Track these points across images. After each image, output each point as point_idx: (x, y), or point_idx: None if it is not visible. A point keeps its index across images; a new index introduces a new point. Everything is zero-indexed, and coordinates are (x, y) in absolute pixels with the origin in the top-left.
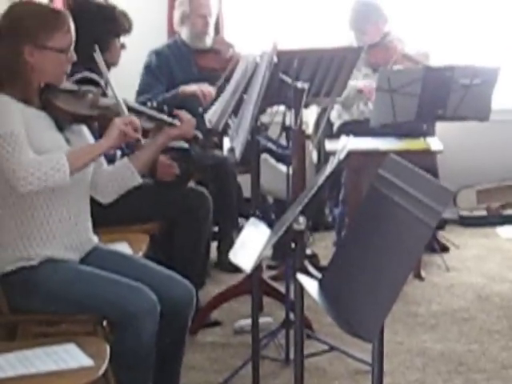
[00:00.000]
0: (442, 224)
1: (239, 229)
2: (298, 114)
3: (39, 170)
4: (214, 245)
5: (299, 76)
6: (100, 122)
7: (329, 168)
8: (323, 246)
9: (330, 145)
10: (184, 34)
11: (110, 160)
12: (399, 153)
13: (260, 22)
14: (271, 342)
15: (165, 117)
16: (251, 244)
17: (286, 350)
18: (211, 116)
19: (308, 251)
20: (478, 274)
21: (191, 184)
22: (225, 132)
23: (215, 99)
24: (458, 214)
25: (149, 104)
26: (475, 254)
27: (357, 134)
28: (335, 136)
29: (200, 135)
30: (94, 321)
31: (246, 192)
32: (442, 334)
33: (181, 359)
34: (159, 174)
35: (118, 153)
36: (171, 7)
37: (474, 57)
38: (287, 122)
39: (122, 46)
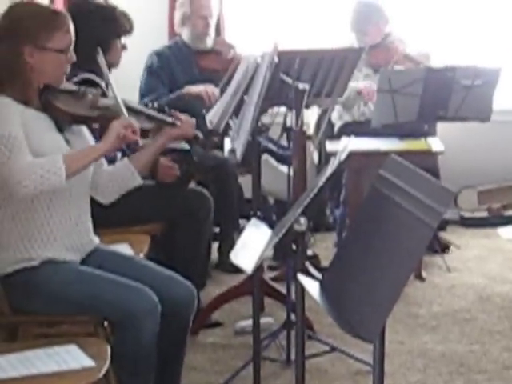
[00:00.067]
0: (443, 225)
1: (240, 230)
2: (298, 115)
3: (35, 173)
4: (215, 246)
5: (300, 77)
6: (100, 123)
7: (330, 169)
8: (324, 246)
9: (330, 145)
10: (185, 35)
11: (111, 160)
12: (400, 153)
13: (261, 22)
14: (272, 343)
15: (165, 117)
16: (252, 245)
17: (287, 350)
18: (212, 117)
19: (309, 252)
20: (479, 275)
21: (192, 185)
22: (226, 133)
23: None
24: (459, 214)
25: (150, 105)
26: (476, 254)
27: (358, 134)
28: (336, 137)
29: (200, 135)
30: (95, 321)
31: (247, 193)
32: (443, 334)
33: (182, 360)
34: (160, 175)
35: (119, 153)
36: (172, 8)
37: (475, 57)
38: (288, 123)
39: (123, 47)
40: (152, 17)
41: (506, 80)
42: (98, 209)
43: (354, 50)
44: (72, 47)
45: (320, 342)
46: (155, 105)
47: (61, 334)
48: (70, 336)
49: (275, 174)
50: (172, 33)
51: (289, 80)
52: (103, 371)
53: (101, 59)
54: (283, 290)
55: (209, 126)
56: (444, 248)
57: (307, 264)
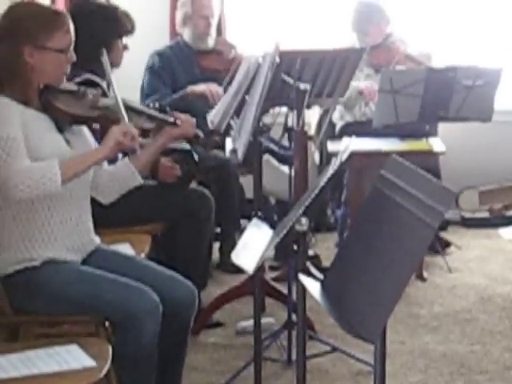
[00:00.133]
0: (445, 225)
1: (241, 230)
2: (300, 115)
3: (30, 178)
4: (216, 246)
5: (301, 77)
6: (100, 123)
7: (331, 169)
8: (325, 247)
9: (332, 146)
10: (186, 35)
11: (111, 160)
12: (401, 154)
13: (262, 22)
14: (273, 343)
15: (166, 117)
16: (253, 245)
17: (288, 351)
18: (213, 117)
19: (310, 252)
20: (481, 275)
21: (193, 185)
22: (227, 133)
23: None
24: (460, 215)
25: (151, 105)
26: (477, 255)
27: (359, 134)
28: (337, 137)
29: (201, 134)
30: (96, 322)
31: (248, 193)
32: (444, 335)
33: (183, 360)
34: (161, 175)
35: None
36: (173, 8)
37: (476, 58)
38: (289, 123)
39: (125, 47)
40: (153, 17)
41: (508, 80)
42: (99, 209)
43: (355, 51)
44: (72, 47)
45: (321, 342)
46: (156, 105)
47: (62, 334)
48: (71, 336)
49: (276, 175)
50: (173, 33)
51: (290, 80)
52: (104, 371)
53: (105, 60)
54: (284, 291)
55: (210, 126)
56: (445, 247)
57: (308, 264)
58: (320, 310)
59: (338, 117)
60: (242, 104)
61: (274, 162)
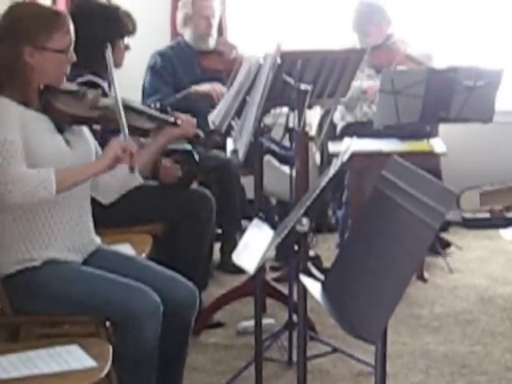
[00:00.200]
0: (445, 226)
1: (242, 230)
2: (301, 116)
3: (25, 185)
4: (217, 246)
5: (302, 77)
6: (100, 123)
7: (332, 170)
8: (326, 247)
9: (333, 146)
10: (187, 35)
11: None
12: (402, 154)
13: (263, 23)
14: (274, 344)
15: (166, 116)
16: (254, 245)
17: (289, 351)
18: (214, 117)
19: (311, 253)
20: (482, 276)
21: (194, 186)
22: (228, 133)
23: None
24: (461, 215)
25: (152, 105)
26: (478, 255)
27: (360, 135)
28: (338, 138)
29: (201, 133)
30: (97, 322)
31: (249, 193)
32: (445, 335)
33: (184, 360)
34: (162, 176)
35: None
36: (174, 8)
37: (477, 58)
38: (290, 124)
39: (126, 47)
40: (154, 17)
41: (509, 81)
42: (99, 209)
43: (356, 51)
44: (72, 47)
45: (322, 342)
46: (157, 105)
47: (62, 335)
48: (72, 336)
49: (277, 175)
50: (174, 33)
51: (291, 81)
52: (105, 371)
53: (109, 55)
54: (285, 291)
55: (211, 126)
56: (445, 248)
57: (309, 265)
58: (321, 310)
59: (339, 117)
60: (243, 104)
61: (275, 162)
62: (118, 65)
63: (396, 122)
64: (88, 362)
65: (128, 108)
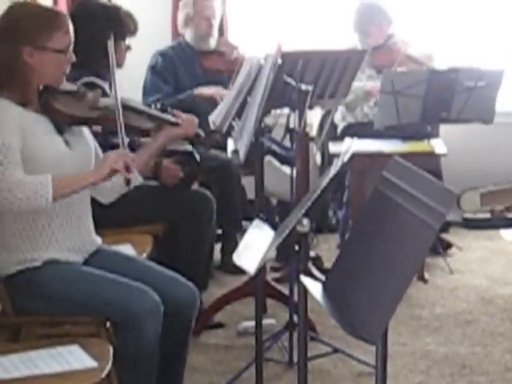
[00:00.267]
0: (446, 226)
1: (243, 231)
2: (301, 116)
3: (22, 192)
4: (218, 247)
5: (303, 78)
6: (100, 124)
7: (333, 170)
8: (327, 248)
9: (333, 147)
10: (188, 35)
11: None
12: (403, 155)
13: (264, 23)
14: (275, 344)
15: (166, 116)
16: (255, 246)
17: (290, 352)
18: (215, 118)
19: (312, 253)
20: (482, 277)
21: (195, 186)
22: (229, 134)
23: None
24: (461, 216)
25: (153, 105)
26: (479, 256)
27: (361, 136)
28: (339, 138)
29: (202, 133)
30: (98, 322)
31: (250, 194)
32: (445, 336)
33: (184, 361)
34: (163, 177)
35: None
36: (175, 9)
37: (478, 59)
38: (291, 124)
39: (128, 48)
40: (155, 17)
41: (510, 82)
42: (99, 209)
43: (357, 52)
44: (72, 47)
45: (322, 343)
46: (158, 105)
47: (63, 335)
48: (73, 336)
49: (278, 175)
50: (175, 33)
51: (292, 81)
52: (105, 372)
53: (110, 44)
54: (286, 292)
55: (212, 126)
56: (446, 249)
57: (310, 265)
58: (321, 311)
59: (340, 118)
60: (243, 105)
61: (276, 162)
62: (119, 65)
63: (397, 123)
64: (89, 362)
65: (128, 108)
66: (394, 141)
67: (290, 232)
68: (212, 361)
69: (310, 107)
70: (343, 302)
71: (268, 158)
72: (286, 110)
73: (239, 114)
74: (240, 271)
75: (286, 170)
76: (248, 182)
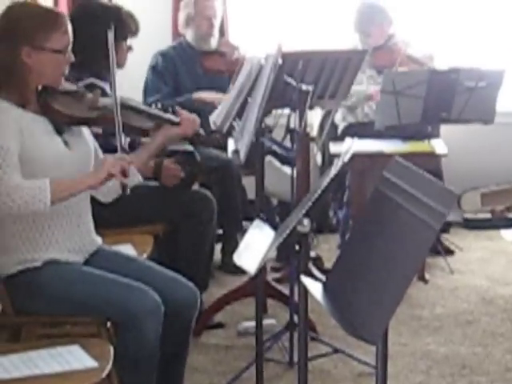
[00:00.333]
0: (447, 227)
1: (243, 231)
2: (302, 117)
3: (20, 197)
4: (218, 247)
5: (304, 78)
6: (100, 124)
7: (333, 170)
8: (327, 248)
9: (334, 147)
10: (189, 35)
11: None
12: (404, 155)
13: (265, 23)
14: (275, 345)
15: (165, 115)
16: (255, 246)
17: (290, 352)
18: (216, 118)
19: (312, 253)
20: (482, 277)
21: (195, 187)
22: (229, 134)
23: None
24: (462, 216)
25: (153, 106)
26: (479, 256)
27: (361, 136)
28: (340, 138)
29: (202, 132)
30: (98, 322)
31: (251, 194)
32: (445, 336)
33: (184, 361)
34: (164, 177)
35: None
36: (176, 9)
37: (479, 59)
38: (292, 125)
39: (129, 48)
40: (156, 17)
41: (510, 82)
42: (100, 209)
43: (357, 52)
44: (71, 48)
45: (323, 343)
46: (158, 106)
47: (64, 335)
48: (73, 336)
49: (279, 176)
50: (176, 33)
51: (292, 81)
52: (106, 372)
53: (110, 36)
54: (286, 292)
55: (212, 127)
56: (447, 250)
57: (310, 265)
58: (322, 311)
59: (340, 118)
60: (244, 105)
61: (276, 163)
62: (120, 65)
63: (397, 123)
64: (89, 362)
65: (128, 107)
66: (395, 141)
67: (290, 232)
68: (212, 361)
69: (311, 107)
70: (343, 302)
71: (268, 158)
72: (286, 111)
73: (240, 114)
74: (240, 271)
75: (287, 170)
76: (248, 182)
